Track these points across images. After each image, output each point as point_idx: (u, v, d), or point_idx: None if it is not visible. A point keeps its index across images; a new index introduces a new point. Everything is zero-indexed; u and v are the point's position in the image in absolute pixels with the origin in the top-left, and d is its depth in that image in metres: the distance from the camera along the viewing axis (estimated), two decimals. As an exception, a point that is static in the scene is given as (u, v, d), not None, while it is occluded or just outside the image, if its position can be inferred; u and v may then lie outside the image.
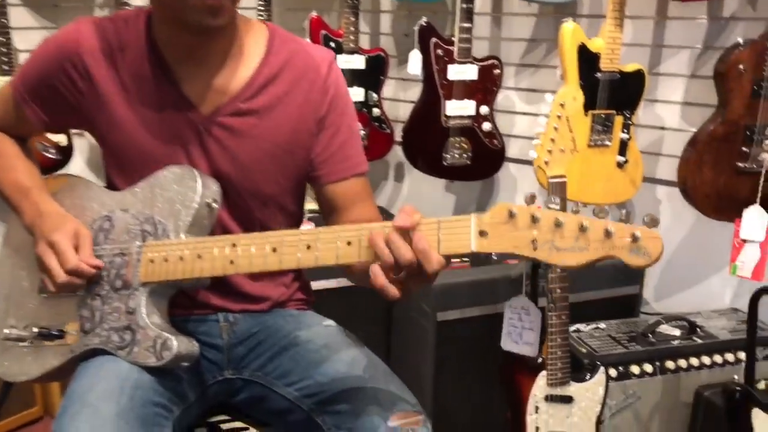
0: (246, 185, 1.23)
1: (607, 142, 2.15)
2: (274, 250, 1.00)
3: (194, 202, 1.12)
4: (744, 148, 1.89)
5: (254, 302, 1.32)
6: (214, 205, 1.14)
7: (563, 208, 1.74)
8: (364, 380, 1.11)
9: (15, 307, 1.25)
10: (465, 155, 2.40)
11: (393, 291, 0.92)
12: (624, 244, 0.82)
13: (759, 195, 1.59)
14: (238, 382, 1.28)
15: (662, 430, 2.01)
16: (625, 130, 2.14)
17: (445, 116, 2.35)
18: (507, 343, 1.56)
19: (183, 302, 1.23)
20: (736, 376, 1.61)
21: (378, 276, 0.93)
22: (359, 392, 1.10)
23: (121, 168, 1.24)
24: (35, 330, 1.19)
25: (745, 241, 1.64)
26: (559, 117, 1.67)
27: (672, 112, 2.28)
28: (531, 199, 0.88)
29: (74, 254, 1.11)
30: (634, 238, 0.81)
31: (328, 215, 1.31)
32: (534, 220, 0.86)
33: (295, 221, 1.36)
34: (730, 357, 2.01)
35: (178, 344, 1.08)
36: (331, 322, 1.29)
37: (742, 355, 2.01)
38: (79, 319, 1.17)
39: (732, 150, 1.91)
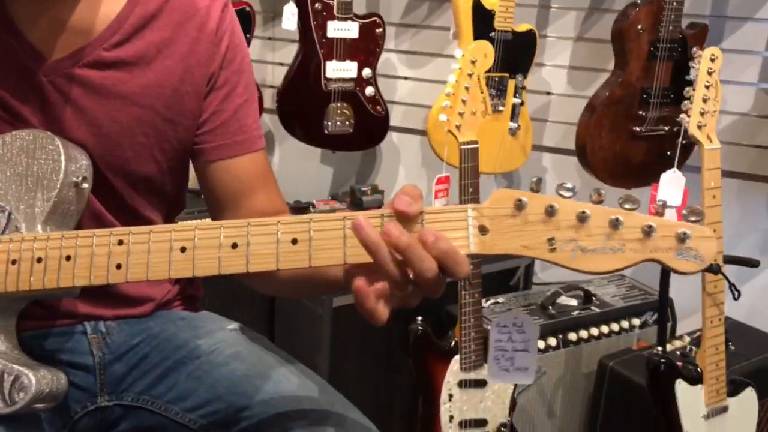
0: (110, 161, 0.93)
1: (501, 108, 2.04)
2: (183, 249, 0.74)
3: (56, 180, 0.82)
4: (641, 112, 1.85)
5: (132, 305, 1.03)
6: (84, 184, 0.84)
7: (472, 180, 1.61)
8: (299, 400, 0.88)
9: None
10: (347, 122, 2.19)
11: (384, 314, 0.69)
12: (669, 245, 0.65)
13: (676, 157, 1.53)
14: (117, 410, 0.99)
15: (565, 403, 1.97)
16: (518, 95, 2.04)
17: (326, 79, 2.13)
18: (495, 373, 1.17)
19: (35, 311, 0.92)
20: (659, 348, 1.56)
21: (367, 297, 0.69)
22: (295, 416, 0.86)
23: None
24: None
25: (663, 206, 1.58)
26: (470, 75, 1.52)
27: (559, 77, 2.22)
28: (537, 185, 0.69)
29: None
30: (682, 238, 0.65)
31: (217, 207, 1.03)
32: (550, 212, 0.67)
33: (176, 210, 1.08)
34: (625, 324, 2.00)
35: (36, 381, 0.78)
36: (234, 325, 1.04)
37: (636, 321, 2.01)
38: None
39: (628, 114, 1.86)
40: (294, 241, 0.71)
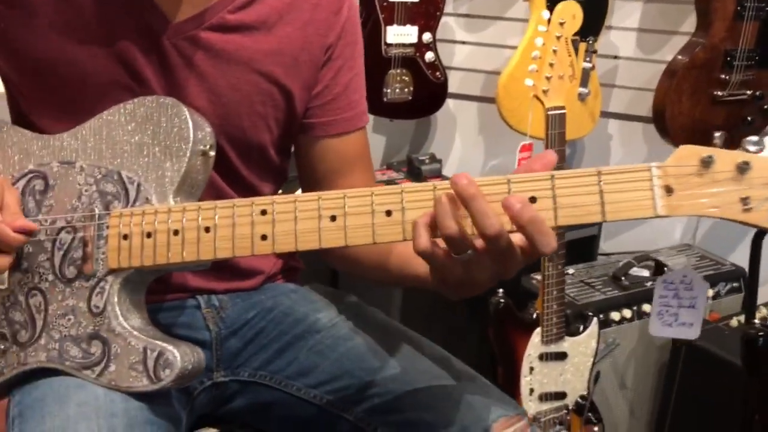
0: (227, 130, 0.89)
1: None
2: (333, 218, 0.69)
3: (185, 148, 0.78)
4: (723, 76, 1.78)
5: (242, 278, 0.99)
6: (211, 153, 0.80)
7: (559, 148, 1.55)
8: (434, 377, 0.84)
9: None
10: (406, 90, 2.13)
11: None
12: None
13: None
14: (233, 386, 0.96)
15: (637, 375, 1.93)
16: (588, 59, 1.96)
17: (386, 44, 2.06)
18: (657, 328, 1.18)
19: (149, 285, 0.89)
20: (756, 321, 1.51)
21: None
22: (432, 395, 0.82)
23: (50, 104, 0.85)
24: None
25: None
26: (558, 38, 1.45)
27: (627, 40, 2.13)
28: (724, 140, 0.64)
29: None
30: None
31: (311, 183, 0.99)
32: (742, 168, 0.62)
33: (281, 182, 1.04)
34: (699, 295, 1.94)
35: (181, 357, 0.74)
36: (351, 297, 1.00)
37: (710, 292, 1.96)
38: (7, 324, 0.80)
39: (710, 78, 1.78)
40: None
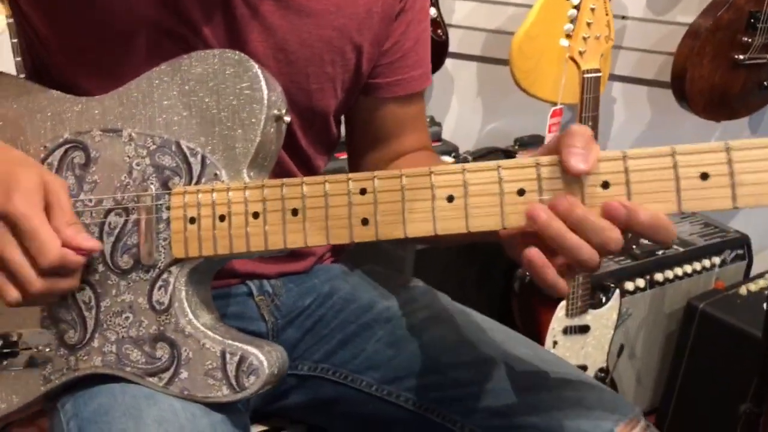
0: (293, 94, 0.77)
1: (571, 32, 1.88)
2: (451, 199, 0.59)
3: (258, 114, 0.66)
4: (746, 39, 1.72)
5: (295, 259, 0.88)
6: (286, 118, 0.68)
7: (593, 113, 1.47)
8: (536, 376, 0.75)
9: None
10: (407, 48, 2.01)
11: (565, 287, 0.58)
12: None
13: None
14: (289, 381, 0.85)
15: (646, 343, 1.90)
16: (600, 19, 1.88)
17: None
18: None
19: None
20: None
21: (547, 269, 0.57)
22: (539, 396, 0.72)
23: (87, 59, 0.72)
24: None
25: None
26: (597, -5, 1.36)
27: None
28: None
29: (53, 236, 0.61)
30: None
31: (364, 145, 0.91)
32: None
33: (331, 154, 0.93)
34: (707, 263, 1.92)
35: (267, 362, 0.64)
36: (416, 281, 0.90)
37: (716, 260, 1.94)
38: (51, 323, 0.68)
39: (733, 41, 1.72)
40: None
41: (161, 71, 0.68)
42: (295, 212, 0.63)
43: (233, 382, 0.63)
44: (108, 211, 0.67)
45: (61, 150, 0.69)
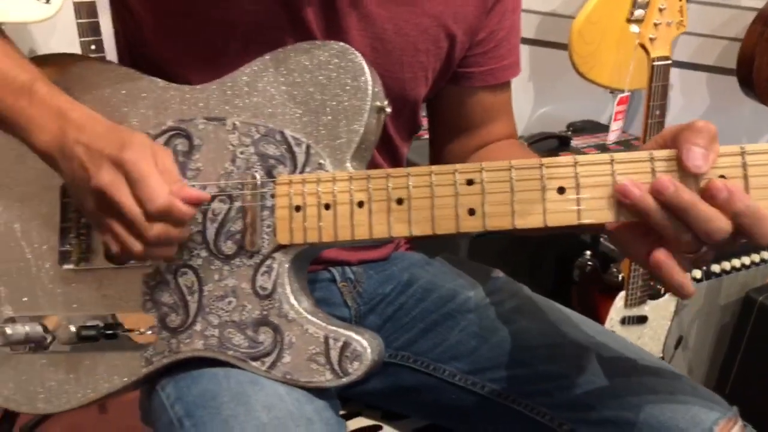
0: (387, 83, 0.75)
1: (642, 18, 1.85)
2: (562, 190, 0.59)
3: (363, 105, 0.66)
4: (815, 25, 1.67)
5: (375, 247, 0.89)
6: (388, 109, 0.68)
7: (660, 102, 1.44)
8: (627, 370, 0.74)
9: (13, 291, 0.73)
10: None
11: (691, 286, 0.57)
12: None
13: None
14: (369, 367, 0.86)
15: (699, 335, 1.88)
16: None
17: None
18: None
19: None
20: None
21: (673, 269, 0.56)
22: (633, 391, 0.71)
23: (189, 48, 0.73)
24: (71, 327, 0.69)
25: None
26: (670, -20, 1.33)
27: (698, -17, 2.01)
28: None
29: (163, 183, 0.63)
30: None
31: (449, 134, 0.90)
32: None
33: (411, 143, 0.93)
34: (766, 255, 1.89)
35: (371, 348, 0.65)
36: (498, 272, 0.90)
37: (766, 255, 1.91)
38: (153, 306, 0.69)
39: (800, 27, 1.68)
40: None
41: (265, 61, 0.68)
42: (400, 201, 0.63)
43: (336, 367, 0.64)
44: (212, 198, 0.68)
45: (164, 137, 0.70)
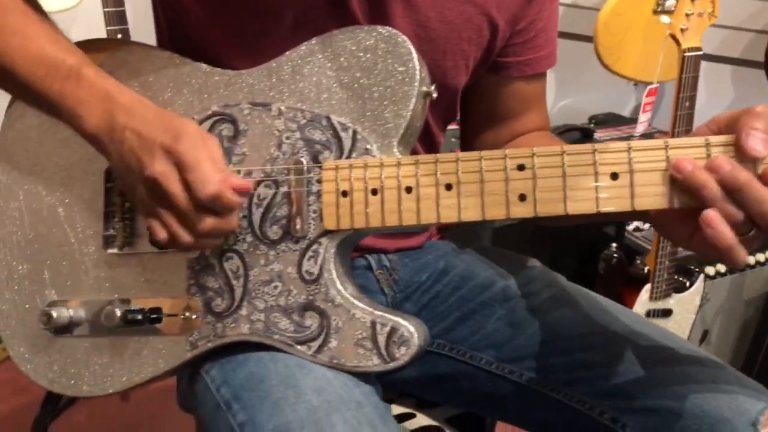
0: (430, 71, 0.74)
1: (672, 7, 1.84)
2: (615, 176, 0.59)
3: (410, 90, 0.66)
4: None
5: (410, 235, 0.89)
6: (434, 94, 0.68)
7: (690, 93, 1.43)
8: (669, 360, 0.73)
9: (57, 275, 0.74)
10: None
11: (743, 253, 0.56)
12: None
13: None
14: (405, 355, 0.86)
15: (722, 329, 1.87)
16: (688, -6, 1.83)
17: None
18: None
19: None
20: None
21: (724, 228, 0.55)
22: (675, 380, 0.71)
23: (234, 32, 0.73)
24: (115, 311, 0.70)
25: None
26: (702, -30, 1.32)
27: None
28: None
29: (215, 170, 0.63)
30: None
31: (482, 125, 0.90)
32: None
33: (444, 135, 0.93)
34: (791, 248, 1.88)
35: (417, 333, 0.65)
36: (534, 261, 0.90)
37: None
38: (197, 290, 0.69)
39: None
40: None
41: (311, 46, 0.68)
42: (449, 187, 0.63)
43: (383, 352, 0.64)
44: (257, 183, 0.68)
45: (209, 122, 0.70)
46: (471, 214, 0.62)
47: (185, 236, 0.63)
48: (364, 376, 0.67)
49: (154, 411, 1.71)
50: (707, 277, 1.74)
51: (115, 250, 0.72)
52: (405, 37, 0.66)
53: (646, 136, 1.90)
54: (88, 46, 0.73)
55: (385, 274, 0.86)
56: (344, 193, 0.65)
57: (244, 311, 0.68)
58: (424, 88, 0.67)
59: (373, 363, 0.65)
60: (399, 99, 0.66)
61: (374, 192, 0.65)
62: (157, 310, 0.70)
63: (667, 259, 1.49)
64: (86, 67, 0.67)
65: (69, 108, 0.66)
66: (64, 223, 0.74)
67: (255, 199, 0.68)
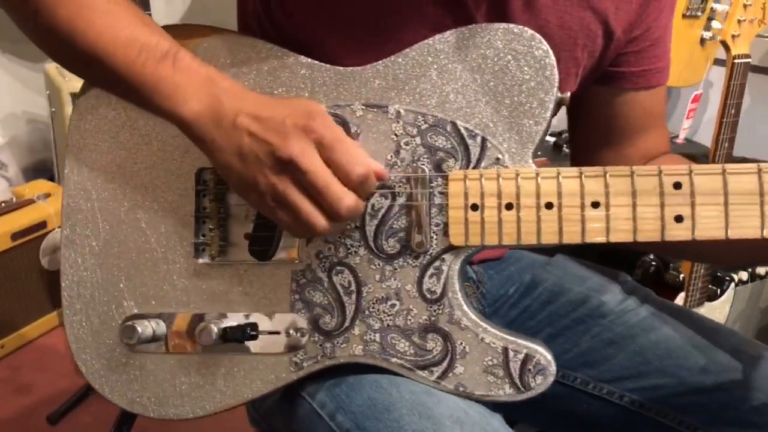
0: None
1: (700, 13, 1.82)
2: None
3: (548, 97, 0.61)
4: None
5: (494, 246, 0.84)
6: (568, 102, 0.63)
7: (737, 100, 1.41)
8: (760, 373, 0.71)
9: (137, 284, 0.67)
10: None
11: None
12: None
13: None
14: (488, 373, 0.82)
15: (739, 337, 1.87)
16: (718, -1, 1.81)
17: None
18: None
19: None
20: None
21: None
22: None
23: (341, 26, 0.66)
24: (212, 327, 0.63)
25: None
26: (757, -24, 1.29)
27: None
28: None
29: (361, 151, 0.59)
30: None
31: (593, 143, 0.83)
32: None
33: None
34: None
35: (551, 360, 0.60)
36: (625, 275, 0.86)
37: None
38: (303, 306, 0.63)
39: None
40: None
41: (433, 46, 0.62)
42: (595, 205, 0.58)
43: (517, 380, 0.59)
44: (372, 192, 0.62)
45: (316, 123, 0.64)
46: (620, 236, 0.58)
47: (320, 219, 0.57)
48: (496, 406, 0.62)
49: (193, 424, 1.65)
50: (737, 284, 1.73)
51: (207, 260, 0.66)
52: (544, 41, 0.61)
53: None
54: (175, 31, 0.66)
55: (472, 287, 0.81)
56: (474, 207, 0.60)
57: (356, 330, 0.62)
58: (560, 95, 0.62)
59: (505, 392, 0.60)
60: (536, 106, 0.61)
61: (509, 206, 0.59)
62: (253, 326, 0.64)
63: (702, 267, 1.47)
64: (182, 51, 0.60)
65: (165, 93, 0.59)
66: (146, 228, 0.67)
67: (369, 209, 0.62)
